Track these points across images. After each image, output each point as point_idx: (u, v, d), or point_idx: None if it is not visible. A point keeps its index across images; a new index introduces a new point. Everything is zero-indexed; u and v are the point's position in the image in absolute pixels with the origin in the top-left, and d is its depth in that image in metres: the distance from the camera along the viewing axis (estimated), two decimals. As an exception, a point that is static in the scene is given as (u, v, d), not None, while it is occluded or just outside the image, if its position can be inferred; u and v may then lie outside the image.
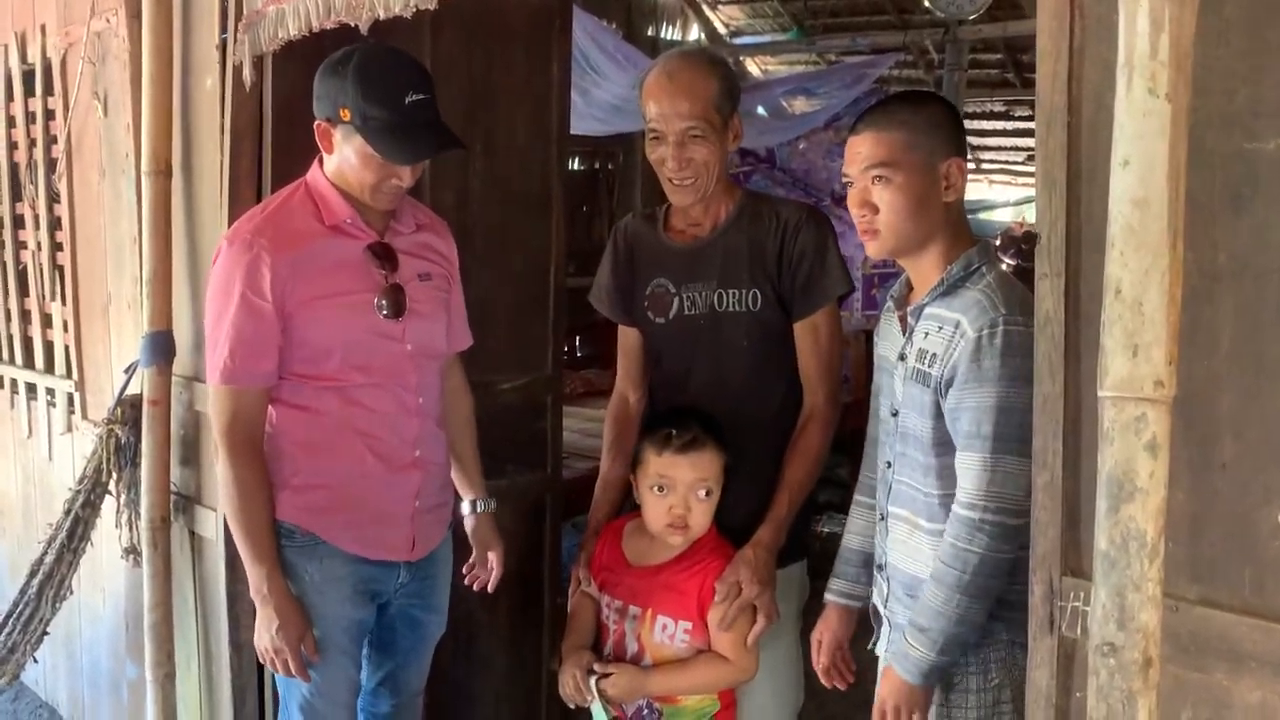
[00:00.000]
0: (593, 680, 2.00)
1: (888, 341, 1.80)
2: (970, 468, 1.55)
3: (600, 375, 5.34)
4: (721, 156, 2.03)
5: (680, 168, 1.98)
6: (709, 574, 1.98)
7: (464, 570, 2.28)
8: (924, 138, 1.64)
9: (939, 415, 1.62)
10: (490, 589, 2.30)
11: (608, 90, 4.40)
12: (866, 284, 7.09)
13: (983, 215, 10.10)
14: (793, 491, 2.01)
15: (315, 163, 2.00)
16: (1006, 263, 7.04)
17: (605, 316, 2.34)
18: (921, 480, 1.68)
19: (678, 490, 1.97)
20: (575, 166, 6.84)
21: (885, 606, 1.80)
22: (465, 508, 2.27)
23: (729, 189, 2.11)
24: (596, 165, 7.00)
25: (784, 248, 2.04)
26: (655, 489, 1.99)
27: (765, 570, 1.95)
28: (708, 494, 1.98)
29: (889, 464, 1.78)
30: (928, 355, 1.64)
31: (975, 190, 10.73)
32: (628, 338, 2.28)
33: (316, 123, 1.92)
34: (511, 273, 2.79)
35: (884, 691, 1.68)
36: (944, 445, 1.63)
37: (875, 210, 1.65)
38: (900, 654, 1.64)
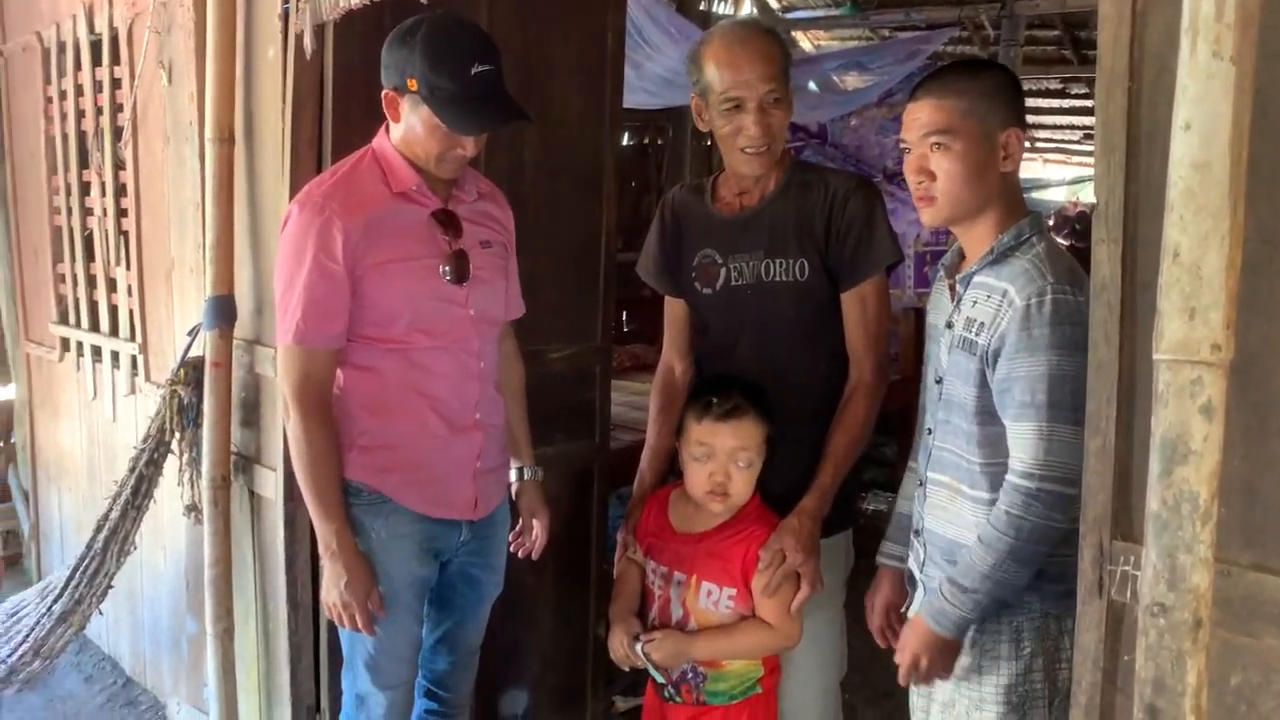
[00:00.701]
0: (638, 645, 2.03)
1: (937, 310, 1.81)
2: (1025, 437, 1.55)
3: (647, 350, 5.36)
4: (788, 123, 2.05)
5: (762, 134, 1.97)
6: (753, 541, 2.00)
7: (510, 538, 2.32)
8: (983, 105, 1.63)
9: (984, 384, 1.63)
10: (535, 556, 2.34)
11: (660, 63, 4.39)
12: (919, 261, 7.03)
13: (1036, 194, 9.96)
14: (837, 461, 2.02)
15: (381, 130, 2.03)
16: (1060, 242, 6.94)
17: (652, 292, 2.35)
18: (965, 447, 1.69)
19: (718, 458, 1.99)
20: (626, 141, 6.83)
21: (921, 571, 1.81)
22: (513, 475, 2.30)
23: (779, 159, 2.10)
24: (646, 140, 6.98)
25: (832, 217, 2.03)
26: (696, 456, 2.02)
27: (809, 538, 1.96)
28: (748, 464, 2.00)
29: (929, 430, 1.79)
30: (975, 323, 1.64)
31: (1029, 169, 10.57)
32: (674, 308, 2.29)
33: (384, 91, 1.95)
34: (563, 244, 2.82)
35: (913, 644, 1.70)
36: (987, 414, 1.63)
37: (932, 177, 1.65)
38: (937, 610, 1.65)
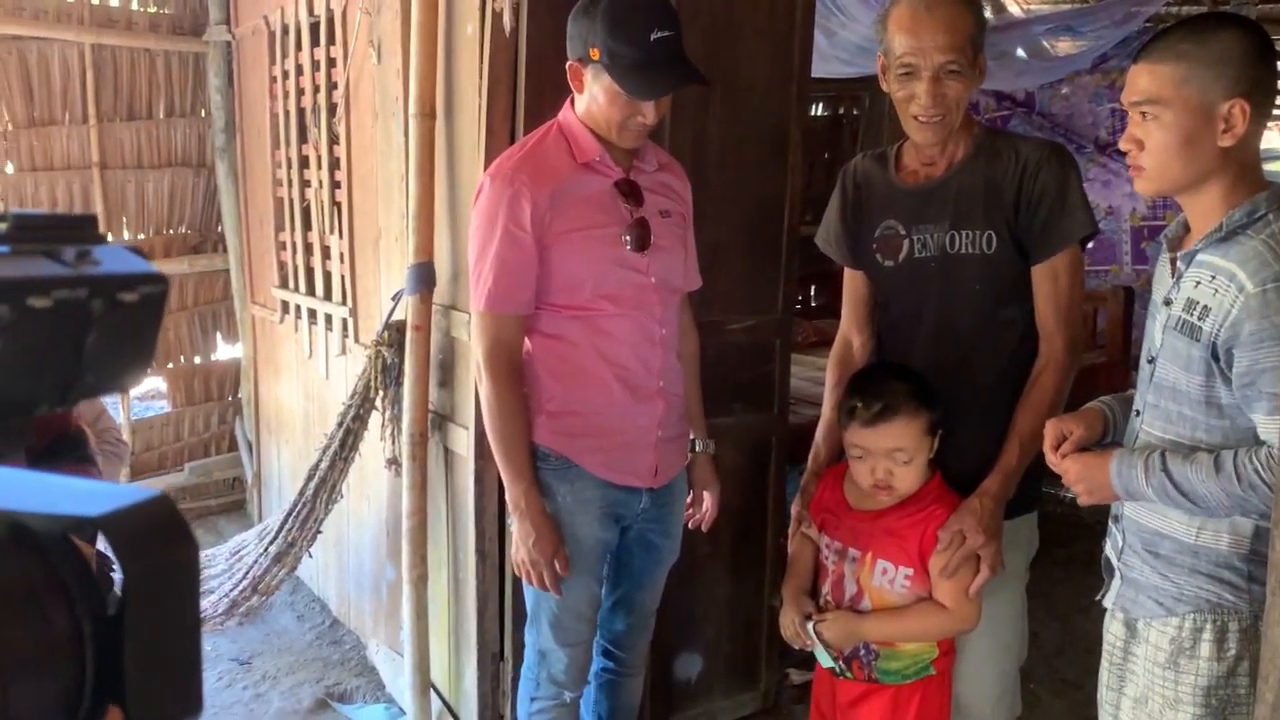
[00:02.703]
0: (810, 624, 2.03)
1: (1158, 285, 1.71)
2: None
3: (833, 325, 5.26)
4: (968, 95, 1.97)
5: (933, 104, 1.91)
6: (932, 521, 1.96)
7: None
8: (1205, 73, 1.51)
9: (1210, 373, 1.53)
10: (705, 529, 2.37)
11: (854, 30, 4.27)
12: (1135, 236, 6.62)
13: (1270, 166, 9.14)
14: (1023, 442, 1.94)
15: (566, 103, 2.08)
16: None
17: (841, 266, 2.32)
18: (1186, 434, 1.59)
19: (874, 457, 1.96)
20: (819, 112, 6.71)
21: (1119, 559, 1.73)
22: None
23: (966, 126, 2.02)
24: (841, 110, 6.84)
25: (1022, 187, 1.95)
26: (854, 455, 2.00)
27: (991, 520, 1.91)
28: (908, 459, 1.95)
29: (1137, 412, 1.70)
30: (1197, 306, 1.54)
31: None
32: (854, 281, 2.26)
33: (569, 63, 2.00)
34: (746, 215, 2.81)
35: (1090, 473, 1.67)
36: (1215, 406, 1.54)
37: (1141, 146, 1.57)
38: (1127, 465, 1.60)
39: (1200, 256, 1.56)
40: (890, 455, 1.95)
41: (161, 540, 0.41)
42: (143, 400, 6.02)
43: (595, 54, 1.93)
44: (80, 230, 0.45)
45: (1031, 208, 1.95)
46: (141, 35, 4.32)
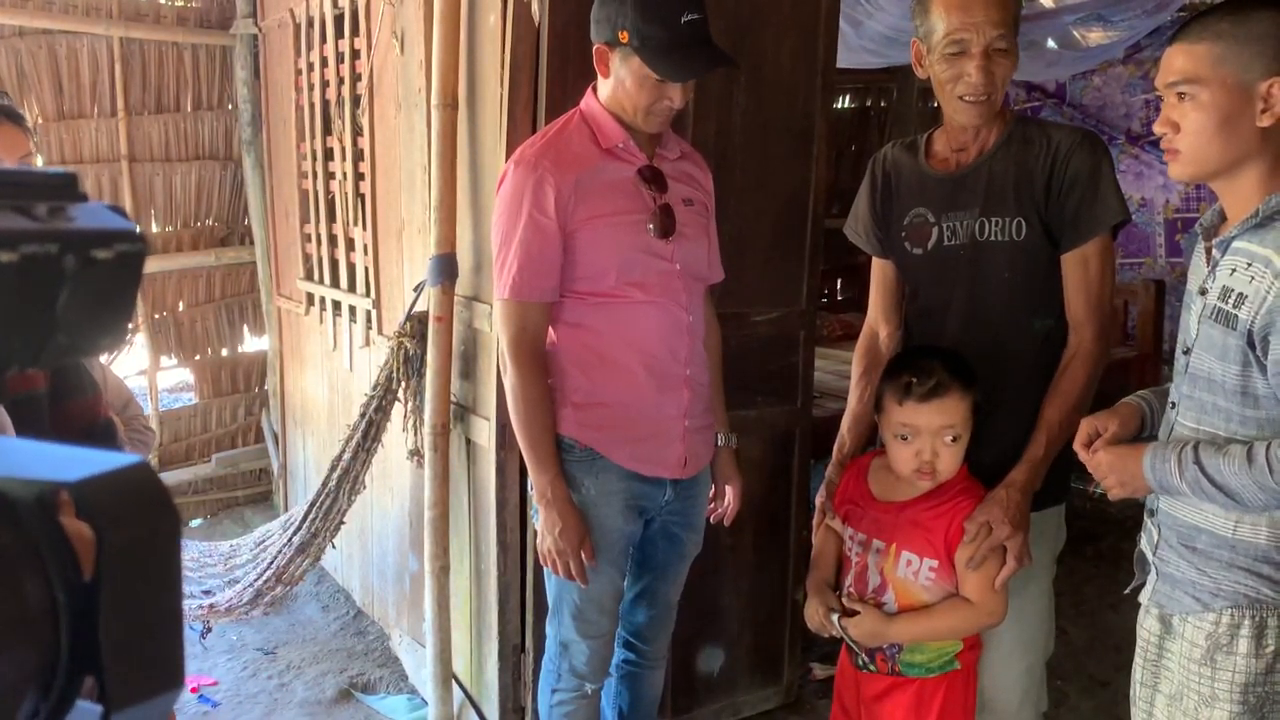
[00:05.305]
0: (835, 618, 2.01)
1: (1194, 275, 1.67)
2: None
3: (860, 318, 5.23)
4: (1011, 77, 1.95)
5: (984, 82, 1.88)
6: (958, 513, 1.93)
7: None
8: (1243, 51, 1.48)
9: (1246, 362, 1.50)
10: (727, 523, 2.35)
11: (881, 20, 4.22)
12: (1170, 228, 6.53)
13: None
14: (1051, 432, 1.92)
15: (589, 91, 2.08)
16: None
17: (867, 258, 2.30)
18: (1220, 426, 1.56)
19: (923, 437, 1.93)
20: (845, 104, 6.66)
21: (1154, 554, 1.70)
22: None
23: (999, 112, 2.00)
24: (868, 102, 6.78)
25: (1054, 173, 1.92)
26: (900, 436, 1.96)
27: (1018, 511, 1.88)
28: (955, 438, 1.92)
29: (1173, 404, 1.67)
30: (1232, 294, 1.51)
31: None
32: (882, 270, 2.23)
33: (595, 47, 1.99)
34: (770, 206, 2.79)
35: (1121, 467, 1.64)
36: (1251, 397, 1.51)
37: (1176, 129, 1.54)
38: (1161, 459, 1.57)
39: (1236, 244, 1.53)
40: (939, 434, 1.92)
41: (139, 509, 0.40)
42: (171, 392, 6.07)
43: (624, 37, 1.92)
44: (59, 188, 0.44)
45: (1062, 194, 1.92)
46: (169, 29, 4.35)
